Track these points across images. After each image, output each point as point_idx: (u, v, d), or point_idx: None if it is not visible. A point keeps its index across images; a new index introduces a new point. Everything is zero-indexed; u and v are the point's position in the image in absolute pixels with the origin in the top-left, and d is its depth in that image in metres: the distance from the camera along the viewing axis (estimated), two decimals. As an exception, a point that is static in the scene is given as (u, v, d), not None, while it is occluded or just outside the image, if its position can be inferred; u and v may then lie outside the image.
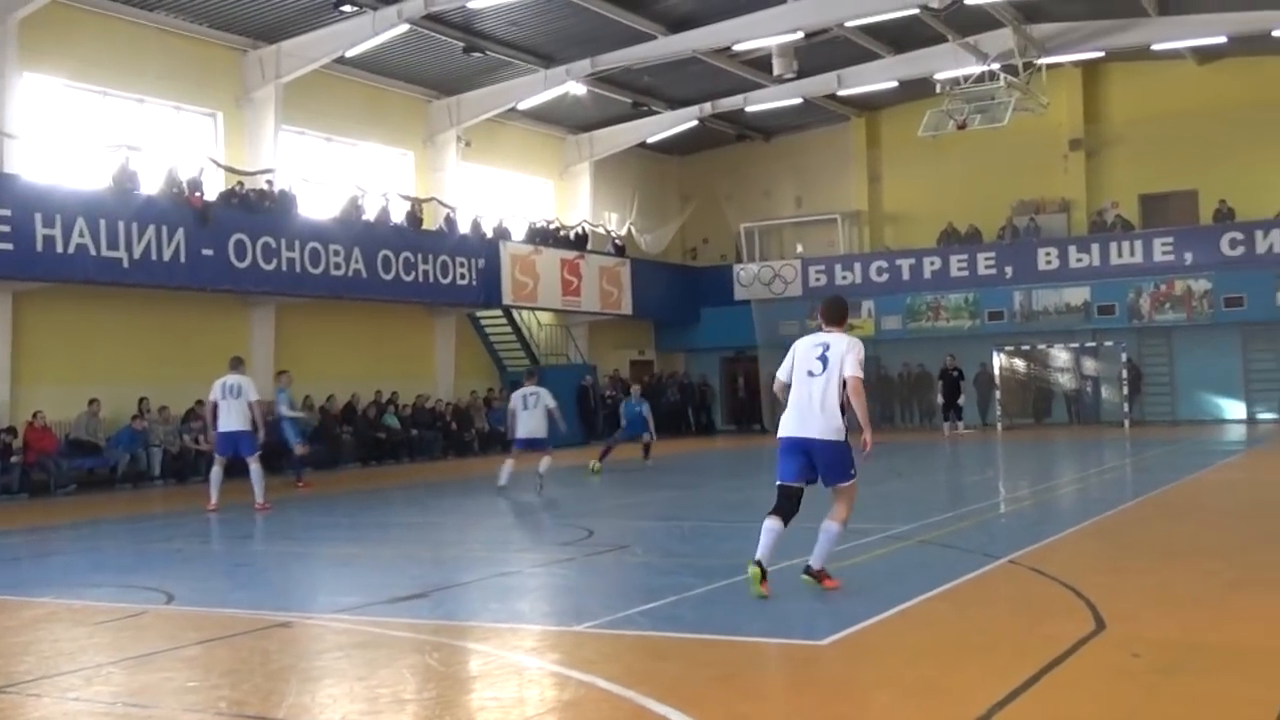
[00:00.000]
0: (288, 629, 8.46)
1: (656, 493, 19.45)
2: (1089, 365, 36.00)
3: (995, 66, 31.30)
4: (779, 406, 9.14)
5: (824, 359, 8.68)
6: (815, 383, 8.68)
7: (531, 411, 18.18)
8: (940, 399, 33.96)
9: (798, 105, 36.92)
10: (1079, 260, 34.79)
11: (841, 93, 36.26)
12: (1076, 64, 35.54)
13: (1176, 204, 35.95)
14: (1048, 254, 35.17)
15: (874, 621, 7.87)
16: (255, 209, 25.70)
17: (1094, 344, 35.15)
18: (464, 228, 31.63)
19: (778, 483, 8.84)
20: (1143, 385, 34.69)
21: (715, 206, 40.91)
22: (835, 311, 9.05)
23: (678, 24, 30.18)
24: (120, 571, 12.02)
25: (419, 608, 9.14)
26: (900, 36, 32.62)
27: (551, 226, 35.57)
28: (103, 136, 24.12)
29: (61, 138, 23.75)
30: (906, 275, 36.91)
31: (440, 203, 31.57)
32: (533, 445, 18.37)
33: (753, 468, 24.41)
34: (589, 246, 36.27)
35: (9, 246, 20.56)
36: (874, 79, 34.98)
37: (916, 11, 28.91)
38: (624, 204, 39.61)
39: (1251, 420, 33.03)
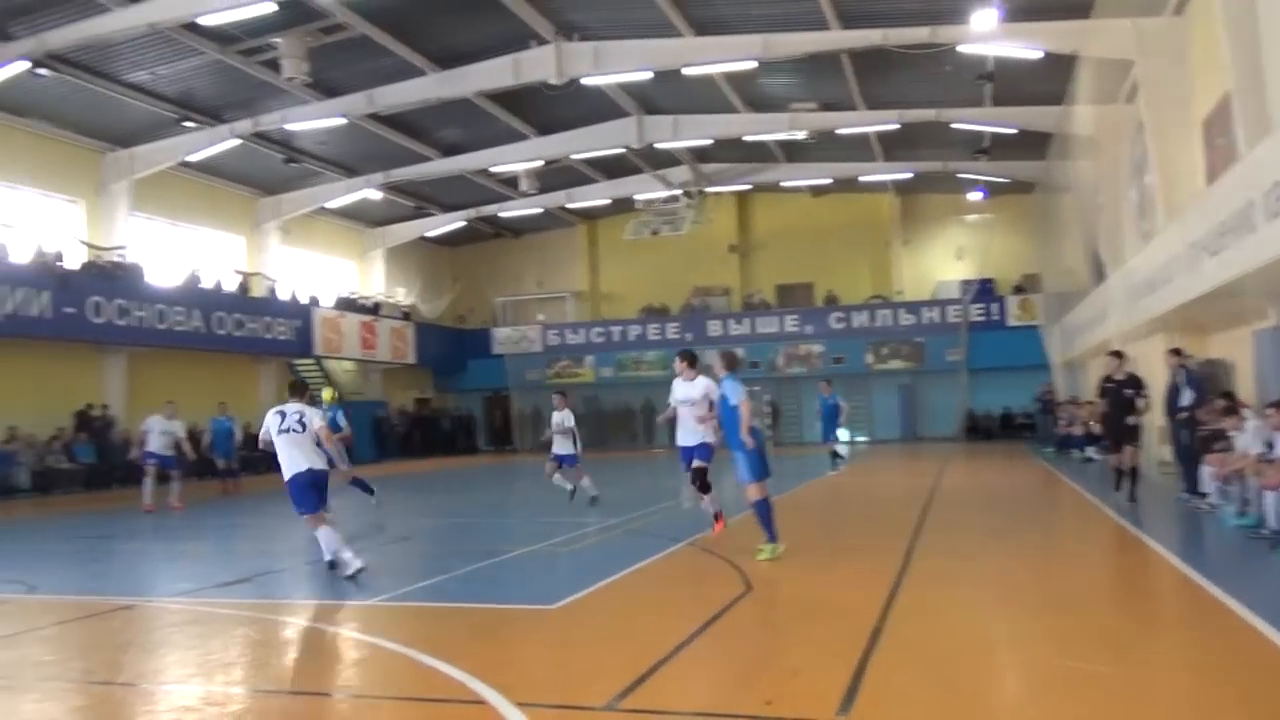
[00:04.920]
0: (130, 610, 7.84)
1: (431, 497, 18.98)
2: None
3: (677, 191, 32.50)
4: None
5: None
6: None
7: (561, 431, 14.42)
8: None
9: (539, 213, 37.14)
10: (736, 329, 36.19)
11: (570, 205, 36.69)
12: (733, 192, 37.19)
13: (800, 291, 37.98)
14: (715, 324, 36.42)
15: (589, 591, 7.91)
16: (111, 277, 23.86)
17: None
18: (284, 296, 30.28)
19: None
20: (780, 419, 36.36)
21: (478, 285, 40.57)
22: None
23: (449, 150, 29.94)
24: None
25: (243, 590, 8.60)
26: (611, 167, 33.33)
27: (353, 297, 34.43)
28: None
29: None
30: (617, 338, 37.42)
31: (264, 276, 30.18)
32: (562, 460, 14.54)
33: (508, 479, 24.15)
34: (382, 312, 35.28)
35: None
36: (593, 197, 35.54)
37: (623, 151, 29.75)
38: (410, 281, 38.73)
39: (851, 442, 34.96)
